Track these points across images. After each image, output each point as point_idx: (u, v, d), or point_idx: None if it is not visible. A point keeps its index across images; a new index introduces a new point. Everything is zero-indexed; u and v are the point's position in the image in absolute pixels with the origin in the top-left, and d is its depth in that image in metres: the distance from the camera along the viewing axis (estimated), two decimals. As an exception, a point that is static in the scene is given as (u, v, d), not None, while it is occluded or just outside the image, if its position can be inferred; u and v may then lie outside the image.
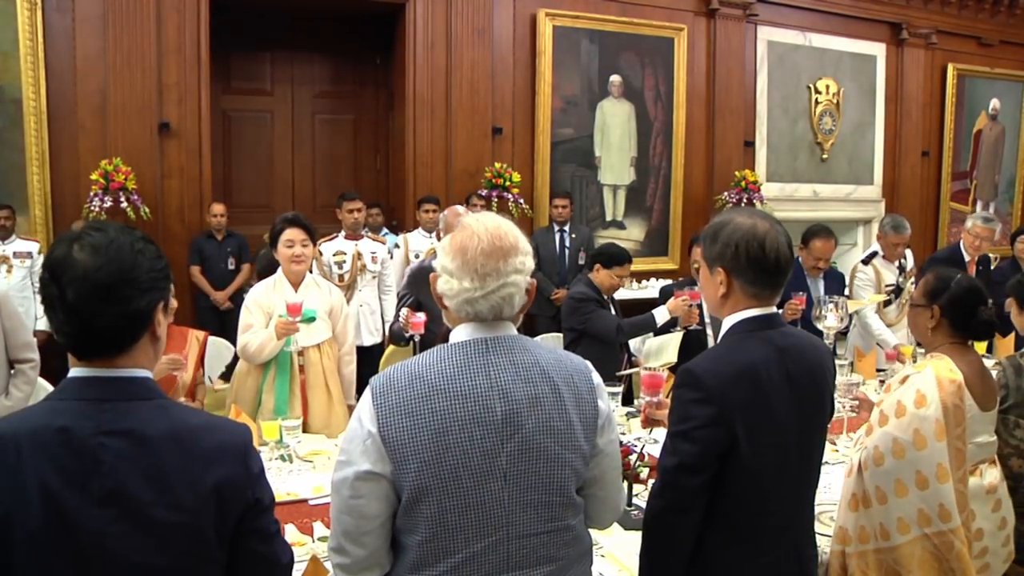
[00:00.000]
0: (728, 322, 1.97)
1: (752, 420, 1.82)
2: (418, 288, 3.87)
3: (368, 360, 5.16)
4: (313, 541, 2.49)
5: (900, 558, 2.22)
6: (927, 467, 2.22)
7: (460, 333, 1.68)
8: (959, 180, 9.99)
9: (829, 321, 3.68)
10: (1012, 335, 5.06)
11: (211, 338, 3.61)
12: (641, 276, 8.22)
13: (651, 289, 7.98)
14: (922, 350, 4.56)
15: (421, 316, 3.59)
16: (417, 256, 6.22)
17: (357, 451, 1.58)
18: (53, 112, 6.29)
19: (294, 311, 3.43)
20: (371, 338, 5.40)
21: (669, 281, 8.27)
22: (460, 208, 3.89)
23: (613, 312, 4.25)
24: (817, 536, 2.11)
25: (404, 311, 3.66)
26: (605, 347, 4.08)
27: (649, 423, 2.68)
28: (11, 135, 6.18)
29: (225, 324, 6.51)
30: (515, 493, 1.60)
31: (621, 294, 5.41)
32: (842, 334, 4.52)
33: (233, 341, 5.84)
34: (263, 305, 3.62)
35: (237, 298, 6.65)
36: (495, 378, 1.61)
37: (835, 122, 9.18)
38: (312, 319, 3.58)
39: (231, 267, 6.68)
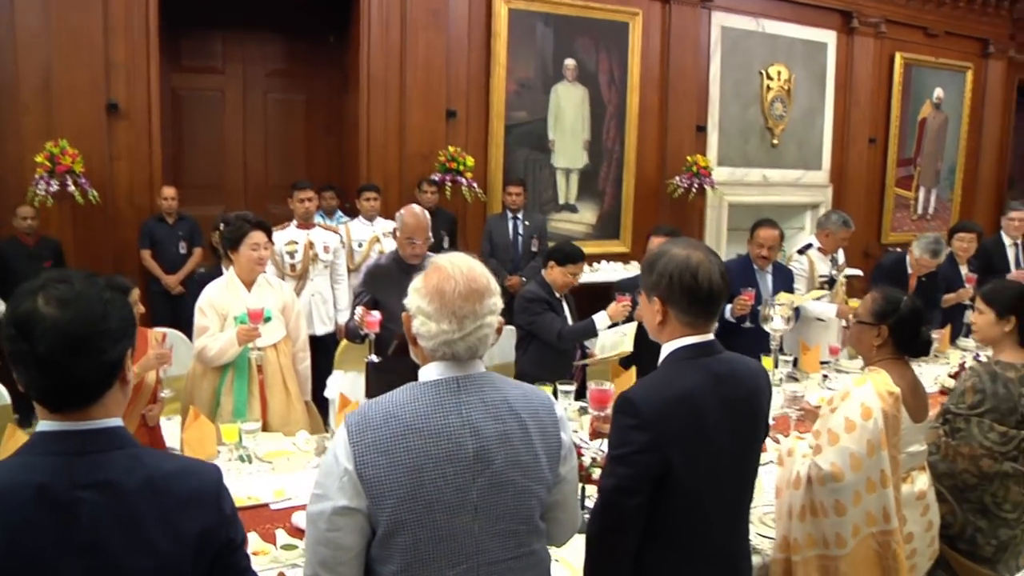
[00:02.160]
0: (665, 349, 2.07)
1: (687, 445, 1.91)
2: (374, 286, 3.88)
3: (321, 349, 5.17)
4: (276, 548, 2.52)
5: (847, 562, 2.34)
6: (875, 473, 2.36)
7: (432, 371, 1.74)
8: (904, 167, 10.25)
9: (776, 323, 3.79)
10: (948, 328, 5.27)
11: (168, 334, 3.58)
12: (592, 259, 8.29)
13: (602, 272, 8.09)
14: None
15: (376, 315, 3.60)
16: (360, 245, 6.22)
17: (334, 487, 1.64)
18: (-6, 90, 6.10)
19: (256, 318, 3.43)
20: (323, 327, 5.40)
21: (622, 268, 8.42)
22: (416, 208, 3.89)
23: (566, 309, 4.31)
24: (755, 536, 2.22)
25: (359, 310, 3.66)
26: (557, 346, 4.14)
27: (596, 435, 2.78)
28: (-51, 115, 5.99)
29: (176, 308, 6.45)
30: (485, 524, 1.69)
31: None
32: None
33: (184, 328, 5.84)
34: (217, 307, 3.61)
35: (189, 282, 6.59)
36: (467, 416, 1.68)
37: (786, 108, 9.33)
38: (268, 319, 3.58)
39: (183, 251, 6.59)
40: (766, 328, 3.87)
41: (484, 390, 1.73)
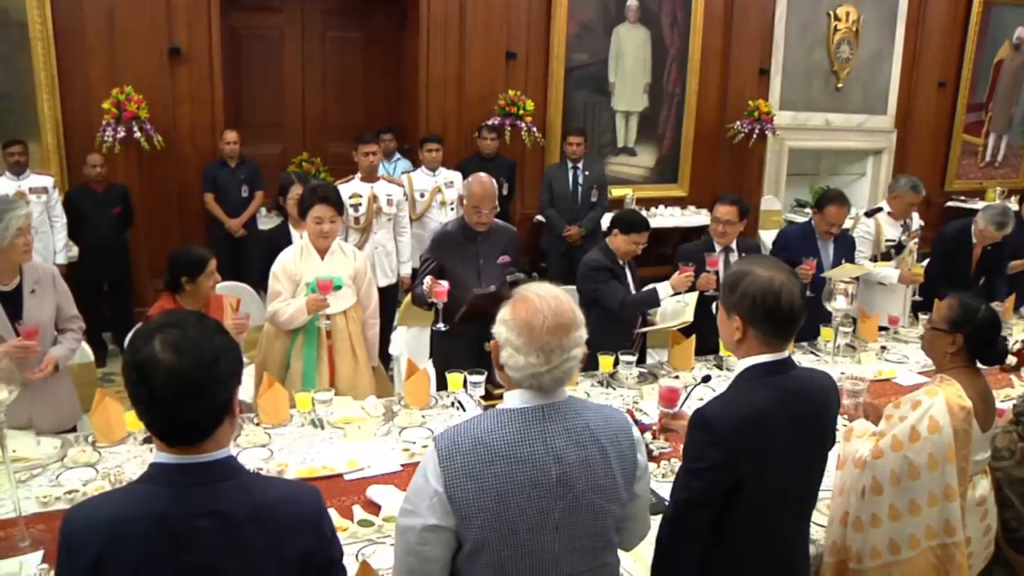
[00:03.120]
0: (741, 365, 2.12)
1: (757, 462, 1.99)
2: (441, 253, 3.92)
3: (384, 301, 5.26)
4: (354, 524, 2.61)
5: (906, 570, 2.39)
6: (938, 487, 2.38)
7: (517, 399, 1.80)
8: (974, 112, 9.90)
9: (838, 303, 3.77)
10: (1012, 297, 5.16)
11: (241, 300, 3.70)
12: (650, 203, 8.28)
13: (660, 217, 8.06)
14: (925, 315, 4.71)
15: (444, 284, 3.64)
16: (422, 195, 6.24)
17: (423, 505, 1.73)
18: (60, 36, 6.18)
19: (324, 288, 3.51)
20: (385, 279, 5.47)
21: (679, 212, 8.35)
22: (484, 176, 3.89)
23: (629, 276, 4.31)
24: (814, 527, 2.31)
25: (428, 279, 3.72)
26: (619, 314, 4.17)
27: (664, 431, 2.83)
28: (19, 61, 6.10)
29: (238, 251, 6.58)
30: (565, 542, 1.78)
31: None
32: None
33: (245, 269, 5.99)
34: (291, 274, 3.70)
35: (251, 225, 6.71)
36: (551, 444, 1.75)
37: (852, 50, 9.03)
38: (339, 287, 3.67)
39: (244, 195, 6.68)
40: (828, 307, 3.84)
41: (567, 418, 1.79)
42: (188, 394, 1.46)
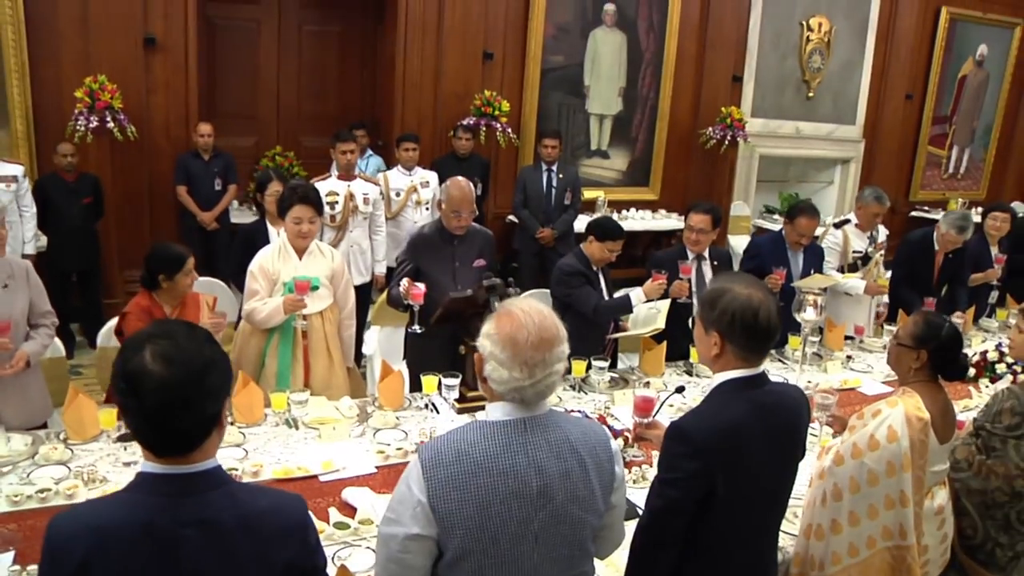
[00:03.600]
0: (718, 378, 2.19)
1: (731, 472, 2.06)
2: (418, 255, 3.95)
3: (358, 300, 5.26)
4: (330, 526, 2.63)
5: (863, 569, 2.48)
6: (894, 492, 2.47)
7: (499, 411, 1.84)
8: (939, 124, 10.14)
9: (808, 314, 3.85)
10: (972, 308, 5.30)
11: (217, 299, 3.70)
12: (621, 206, 8.35)
13: (631, 220, 8.13)
14: (891, 327, 4.83)
15: (421, 287, 3.67)
16: (398, 194, 6.26)
17: (407, 515, 1.78)
18: (31, 22, 6.08)
19: (302, 289, 3.52)
20: (360, 278, 5.47)
21: (651, 216, 8.43)
22: (462, 181, 3.92)
23: (602, 282, 4.37)
24: (782, 535, 2.41)
25: (404, 281, 3.74)
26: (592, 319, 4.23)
27: (638, 439, 2.90)
28: (-11, 45, 5.99)
29: (210, 243, 6.55)
30: (543, 551, 1.83)
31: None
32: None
33: (216, 263, 5.97)
34: (268, 273, 3.70)
35: (223, 218, 6.67)
36: (532, 456, 1.80)
37: (824, 60, 9.18)
38: (316, 288, 3.67)
39: (217, 187, 6.63)
40: (798, 318, 3.92)
41: (549, 430, 1.84)
42: (178, 406, 1.48)
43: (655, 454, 2.88)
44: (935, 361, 2.65)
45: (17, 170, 5.63)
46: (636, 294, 4.18)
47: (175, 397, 1.47)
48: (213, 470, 1.58)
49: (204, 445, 1.55)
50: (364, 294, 5.51)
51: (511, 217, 7.32)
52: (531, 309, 1.82)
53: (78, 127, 5.93)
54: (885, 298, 5.36)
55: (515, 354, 1.77)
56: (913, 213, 10.09)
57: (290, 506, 1.67)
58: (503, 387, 1.80)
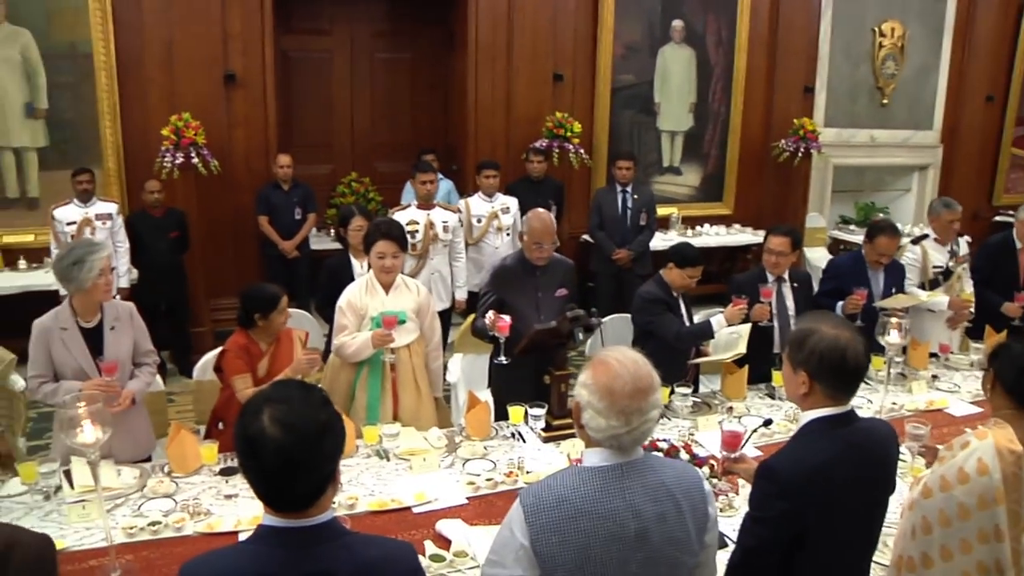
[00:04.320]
0: (806, 417, 2.21)
1: (822, 512, 2.08)
2: (500, 287, 4.01)
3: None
4: (425, 558, 2.69)
5: None
6: (988, 526, 2.42)
7: (596, 457, 1.90)
8: (1022, 126, 9.79)
9: (891, 337, 3.77)
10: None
11: (309, 333, 3.84)
12: (695, 222, 8.32)
13: (705, 236, 8.10)
14: (978, 344, 4.69)
15: (507, 319, 3.72)
16: (479, 221, 6.35)
17: (510, 558, 1.84)
18: (122, 66, 6.39)
19: (390, 324, 3.61)
20: (440, 304, 5.57)
21: (724, 230, 8.37)
22: (543, 213, 3.97)
23: (683, 309, 4.37)
24: (874, 566, 2.41)
25: (490, 313, 3.80)
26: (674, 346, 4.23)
27: (725, 473, 2.90)
28: (84, 89, 6.33)
29: (292, 272, 6.73)
30: None
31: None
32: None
33: (297, 290, 6.13)
34: (356, 308, 3.80)
35: (303, 246, 6.86)
36: (629, 500, 1.85)
37: (897, 66, 9.00)
38: (403, 322, 3.77)
39: (297, 216, 6.83)
40: (882, 342, 3.84)
41: (644, 474, 1.89)
42: (294, 468, 1.56)
43: (742, 482, 2.91)
44: (1002, 381, 2.57)
45: (112, 208, 5.90)
46: (717, 320, 4.17)
47: (291, 460, 1.56)
48: (329, 522, 1.66)
49: (320, 501, 1.63)
50: (445, 319, 5.61)
51: (585, 236, 7.36)
52: (626, 359, 1.87)
53: (165, 164, 6.18)
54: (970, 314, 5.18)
55: (612, 403, 1.82)
56: (997, 218, 9.77)
57: (402, 554, 1.74)
58: (600, 435, 1.86)
